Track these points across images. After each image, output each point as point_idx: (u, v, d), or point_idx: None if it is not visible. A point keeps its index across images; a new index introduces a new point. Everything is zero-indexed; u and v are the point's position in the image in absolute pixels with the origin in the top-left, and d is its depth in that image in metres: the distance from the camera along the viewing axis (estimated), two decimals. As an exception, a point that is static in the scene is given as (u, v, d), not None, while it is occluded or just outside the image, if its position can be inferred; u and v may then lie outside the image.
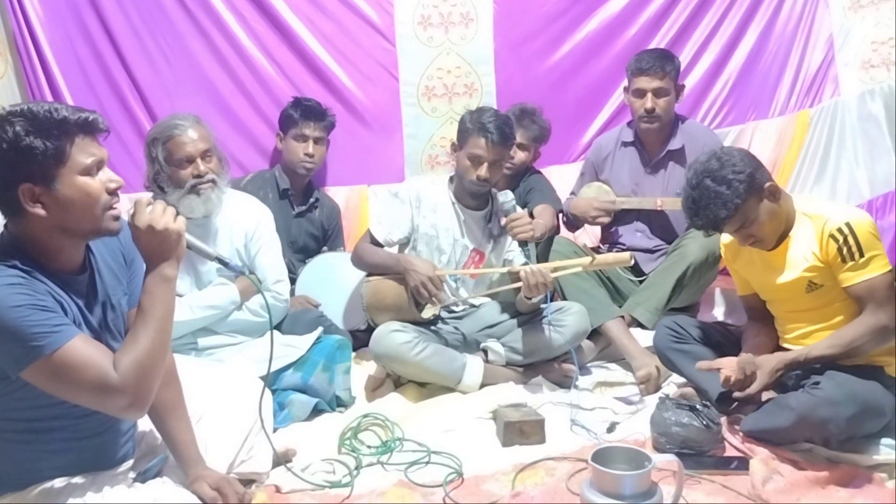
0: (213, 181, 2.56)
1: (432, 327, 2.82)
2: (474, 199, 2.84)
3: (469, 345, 2.85)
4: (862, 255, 2.14)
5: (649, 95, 3.09)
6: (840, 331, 2.21)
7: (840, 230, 2.16)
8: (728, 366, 2.22)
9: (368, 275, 2.83)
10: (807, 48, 3.72)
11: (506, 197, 2.72)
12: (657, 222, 3.22)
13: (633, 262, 2.65)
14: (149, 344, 1.52)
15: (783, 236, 2.29)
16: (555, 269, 2.63)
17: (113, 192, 1.56)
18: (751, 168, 2.21)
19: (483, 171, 2.71)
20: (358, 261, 2.85)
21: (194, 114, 2.67)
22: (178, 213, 1.59)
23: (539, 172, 3.50)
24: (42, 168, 1.47)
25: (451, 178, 2.90)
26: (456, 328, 2.87)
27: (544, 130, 3.42)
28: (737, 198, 2.17)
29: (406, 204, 2.83)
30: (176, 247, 1.57)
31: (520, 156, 3.36)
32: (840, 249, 2.16)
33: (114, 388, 1.48)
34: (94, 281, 1.64)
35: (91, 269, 1.64)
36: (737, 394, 2.24)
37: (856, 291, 2.18)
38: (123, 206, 1.58)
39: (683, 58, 3.51)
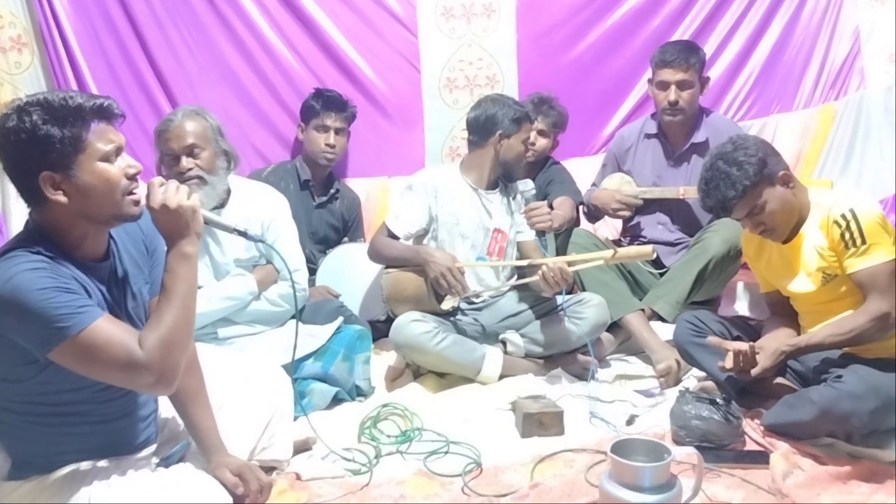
0: (199, 178, 2.49)
1: (452, 318, 2.82)
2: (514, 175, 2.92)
3: (488, 336, 2.85)
4: (864, 242, 2.14)
5: (673, 88, 3.08)
6: (842, 318, 2.20)
7: (843, 216, 2.16)
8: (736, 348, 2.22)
9: (388, 266, 2.84)
10: (832, 40, 3.67)
11: (526, 185, 2.72)
12: (679, 215, 3.20)
13: (654, 255, 2.63)
14: (173, 321, 1.54)
15: (796, 229, 2.28)
16: (571, 263, 2.63)
17: (132, 178, 1.57)
18: (763, 153, 2.23)
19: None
20: (375, 255, 2.84)
21: (199, 105, 2.66)
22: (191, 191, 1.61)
23: (559, 164, 3.49)
24: (61, 156, 1.49)
25: (462, 164, 2.92)
26: (475, 319, 2.87)
27: (563, 117, 3.43)
28: (745, 179, 2.19)
29: (422, 195, 2.83)
30: (192, 223, 1.59)
31: (541, 142, 3.37)
32: (843, 235, 2.16)
33: (140, 365, 1.50)
34: (116, 268, 1.66)
35: (113, 256, 1.66)
36: (737, 376, 2.25)
37: (858, 278, 2.17)
38: (143, 191, 1.60)
39: (707, 49, 3.47)
